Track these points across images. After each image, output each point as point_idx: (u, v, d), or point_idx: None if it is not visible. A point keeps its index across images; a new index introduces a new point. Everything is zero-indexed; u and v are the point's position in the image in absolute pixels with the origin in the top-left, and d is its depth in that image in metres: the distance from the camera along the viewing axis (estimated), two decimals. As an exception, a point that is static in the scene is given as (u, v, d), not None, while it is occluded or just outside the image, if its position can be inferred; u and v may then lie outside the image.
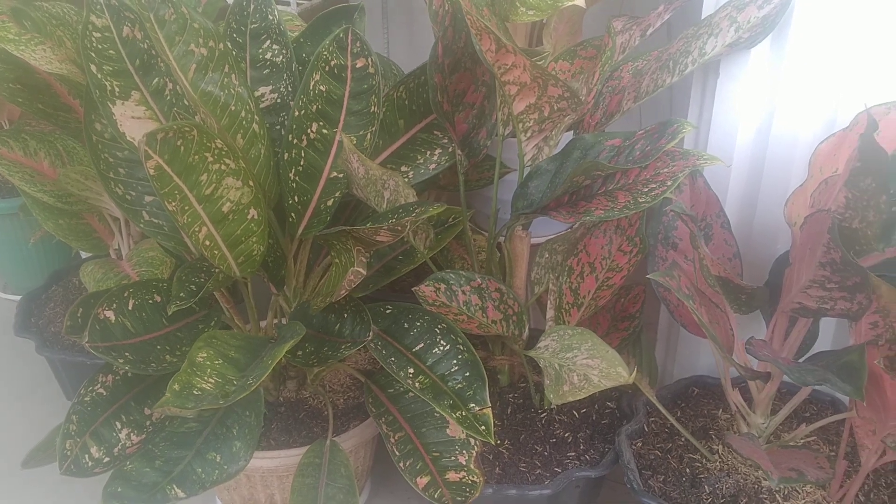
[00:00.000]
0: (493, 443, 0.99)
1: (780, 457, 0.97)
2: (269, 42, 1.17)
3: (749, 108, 1.15)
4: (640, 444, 1.17)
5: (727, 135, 1.17)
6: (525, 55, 0.91)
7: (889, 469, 1.13)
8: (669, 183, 0.98)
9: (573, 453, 1.18)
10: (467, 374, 1.04)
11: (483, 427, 0.99)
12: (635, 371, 1.05)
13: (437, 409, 0.99)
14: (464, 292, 1.13)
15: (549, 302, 1.16)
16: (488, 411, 1.00)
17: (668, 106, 1.90)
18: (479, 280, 1.14)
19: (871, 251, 0.88)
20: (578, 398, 0.95)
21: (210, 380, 0.95)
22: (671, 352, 1.38)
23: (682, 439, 1.16)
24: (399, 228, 0.93)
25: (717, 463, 1.12)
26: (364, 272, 0.97)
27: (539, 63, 1.14)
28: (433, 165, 1.17)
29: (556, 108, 0.98)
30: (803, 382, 0.85)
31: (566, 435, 1.21)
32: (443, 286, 1.12)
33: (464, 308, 1.12)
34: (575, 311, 1.15)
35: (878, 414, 0.93)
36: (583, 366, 0.99)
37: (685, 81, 1.18)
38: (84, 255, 1.64)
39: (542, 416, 1.23)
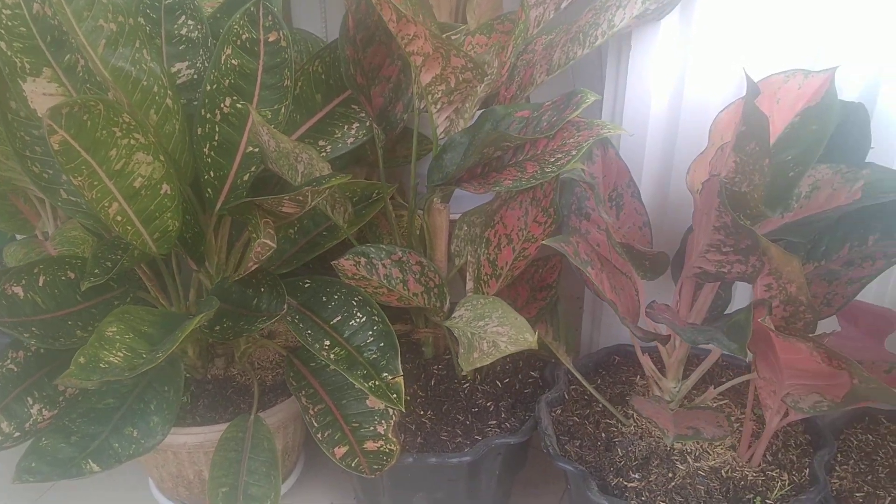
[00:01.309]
0: (402, 410, 1.00)
1: (684, 417, 0.99)
2: (184, 17, 1.17)
3: (661, 79, 1.17)
4: (559, 411, 1.20)
5: (641, 104, 1.19)
6: (425, 25, 0.91)
7: (799, 430, 1.17)
8: (574, 153, 1.00)
9: (494, 422, 1.20)
10: (382, 344, 1.06)
11: (395, 395, 1.01)
12: (551, 337, 1.07)
13: (350, 379, 1.00)
14: (384, 266, 1.14)
15: (468, 273, 1.18)
16: (400, 380, 1.01)
17: (601, 77, 1.91)
18: (399, 253, 1.15)
19: (760, 214, 0.91)
20: (486, 363, 0.96)
21: (119, 353, 0.95)
22: (596, 321, 1.40)
23: (600, 405, 1.19)
24: (301, 199, 0.93)
25: (632, 427, 1.15)
26: (272, 244, 0.97)
27: (455, 37, 1.16)
28: (351, 139, 1.18)
29: (461, 78, 0.99)
30: (693, 342, 0.87)
31: (488, 404, 1.22)
32: (363, 260, 1.12)
33: (384, 281, 1.13)
34: (493, 282, 1.17)
35: (776, 374, 0.96)
36: (493, 333, 1.00)
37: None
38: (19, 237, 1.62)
39: (466, 386, 1.25)
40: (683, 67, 1.15)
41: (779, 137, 1.00)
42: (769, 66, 1.10)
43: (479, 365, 0.96)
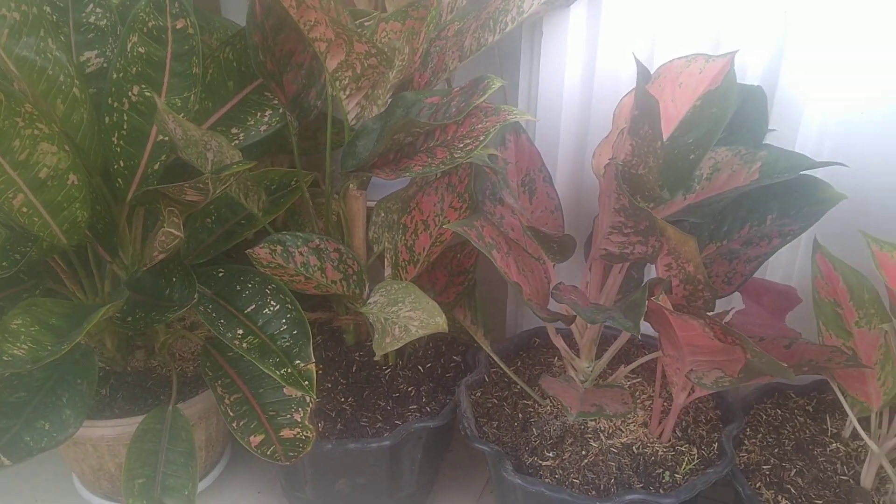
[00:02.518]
0: (314, 397, 1.01)
1: (591, 395, 1.02)
2: (92, 6, 1.15)
3: (572, 64, 1.18)
4: (479, 394, 1.21)
5: (554, 90, 1.21)
6: (325, 11, 0.91)
7: (710, 406, 1.20)
8: (482, 138, 1.01)
9: (415, 406, 1.21)
10: (295, 332, 1.06)
11: (306, 382, 1.01)
12: (469, 321, 1.08)
13: (262, 368, 1.00)
14: (301, 253, 1.14)
15: (386, 260, 1.18)
16: (312, 367, 1.02)
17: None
18: (317, 241, 1.15)
19: (657, 196, 0.93)
20: (396, 347, 0.97)
21: (23, 346, 0.94)
22: (520, 304, 1.42)
23: (519, 387, 1.21)
24: (202, 187, 0.93)
25: (548, 407, 1.17)
26: (178, 234, 0.97)
27: (369, 24, 1.16)
28: (264, 127, 1.17)
29: (366, 65, 0.99)
30: (592, 321, 0.89)
31: (409, 389, 1.24)
32: (279, 248, 1.12)
33: (301, 269, 1.13)
34: (412, 268, 1.18)
35: (678, 351, 0.98)
36: (405, 318, 1.01)
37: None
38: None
39: (387, 372, 1.26)
40: (594, 53, 1.17)
41: (681, 121, 1.03)
42: (675, 50, 1.12)
43: (390, 349, 0.97)
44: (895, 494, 1.02)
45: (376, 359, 1.19)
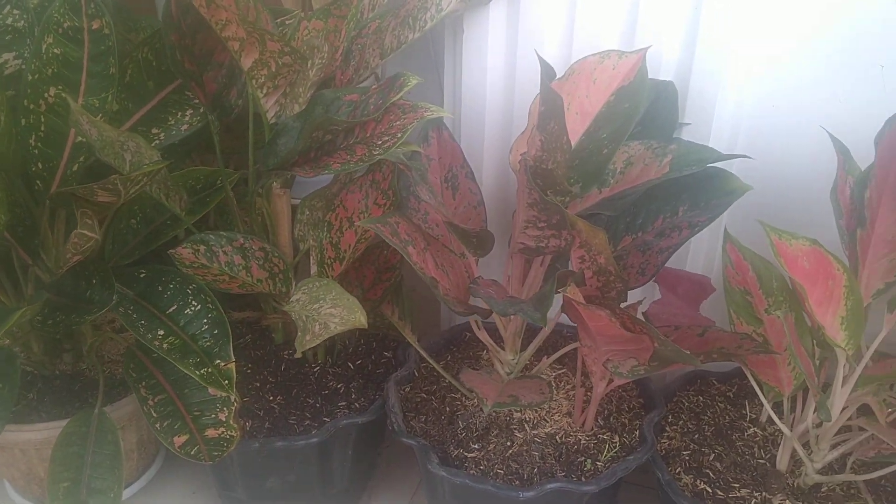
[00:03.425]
0: (233, 396, 1.01)
1: (510, 387, 1.03)
2: (9, 7, 1.14)
3: (494, 61, 1.20)
4: (408, 389, 1.22)
5: (477, 86, 1.22)
6: (236, 10, 0.91)
7: (634, 395, 1.23)
8: (400, 135, 1.02)
9: (344, 403, 1.21)
10: (216, 331, 1.06)
11: (226, 381, 1.01)
12: (397, 317, 1.09)
13: (181, 368, 1.00)
14: (225, 252, 1.14)
15: (311, 257, 1.19)
16: (232, 366, 1.02)
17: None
18: (241, 240, 1.15)
19: (566, 190, 0.95)
20: (315, 344, 0.97)
21: (-67, 353, 0.93)
22: (452, 301, 1.43)
23: (447, 381, 1.22)
24: (111, 188, 0.92)
25: (475, 400, 1.18)
26: (92, 235, 0.96)
27: (290, 22, 1.16)
28: (185, 126, 1.17)
29: (280, 63, 1.00)
30: (503, 314, 0.91)
31: (339, 386, 1.24)
32: (202, 247, 1.12)
33: (226, 268, 1.13)
34: (337, 265, 1.18)
35: (593, 341, 1.00)
36: (326, 315, 1.02)
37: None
38: None
39: (316, 370, 1.27)
40: (514, 49, 1.19)
41: (596, 116, 1.05)
42: (593, 45, 1.15)
43: (309, 346, 0.98)
44: (808, 476, 1.05)
45: (297, 356, 1.18)
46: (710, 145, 1.15)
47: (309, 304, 1.06)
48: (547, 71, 0.86)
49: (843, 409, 0.99)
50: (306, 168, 1.07)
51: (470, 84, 1.23)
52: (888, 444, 0.95)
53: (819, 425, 1.03)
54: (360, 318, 0.99)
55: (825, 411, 0.90)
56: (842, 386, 0.98)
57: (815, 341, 1.00)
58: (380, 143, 1.03)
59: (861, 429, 1.04)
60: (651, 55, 1.12)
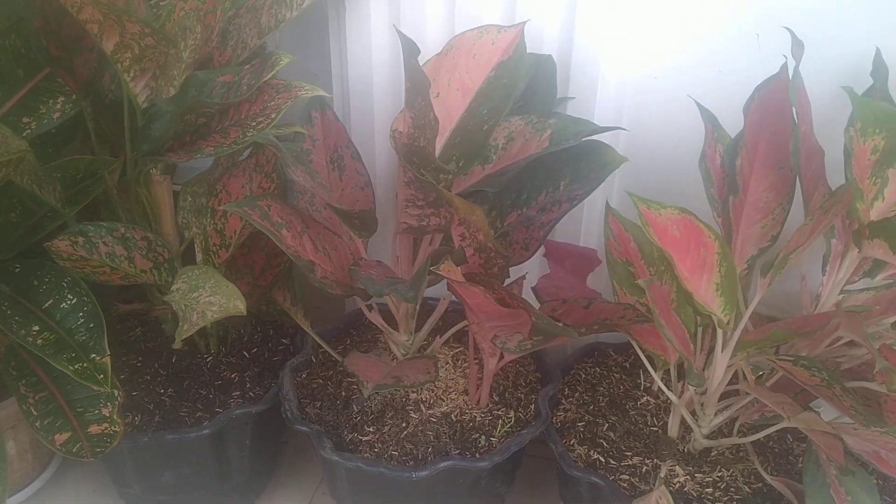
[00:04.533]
0: (109, 390, 0.98)
1: (399, 368, 1.02)
2: None
3: (378, 37, 1.18)
4: (304, 376, 1.21)
5: (363, 65, 1.21)
6: (87, -9, 0.88)
7: (531, 370, 1.23)
8: (274, 115, 0.99)
9: (238, 393, 1.19)
10: (91, 325, 1.02)
11: (101, 376, 0.98)
12: (289, 302, 1.07)
13: (55, 364, 0.97)
14: (106, 243, 1.10)
15: (196, 245, 1.16)
16: (107, 360, 0.99)
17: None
18: (122, 229, 1.12)
19: (439, 167, 0.94)
20: (191, 333, 0.95)
21: None
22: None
23: (344, 366, 1.21)
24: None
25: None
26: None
27: (164, 3, 1.12)
28: (57, 114, 1.12)
29: (143, 45, 0.96)
30: (379, 294, 0.90)
31: (233, 376, 1.22)
32: (81, 239, 1.09)
33: (107, 260, 1.10)
34: (224, 252, 1.15)
35: (478, 318, 1.00)
36: (205, 303, 0.99)
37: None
38: None
39: (209, 360, 1.24)
40: (398, 23, 1.17)
41: (476, 92, 1.04)
42: (475, 18, 1.14)
43: (185, 336, 0.95)
44: (696, 442, 1.07)
45: (175, 346, 1.16)
46: (596, 119, 1.16)
47: (189, 293, 1.03)
48: (409, 46, 0.85)
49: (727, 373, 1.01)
50: (180, 153, 1.04)
51: (356, 63, 1.21)
52: (770, 406, 0.98)
53: (704, 392, 1.05)
54: (238, 306, 0.97)
55: (694, 378, 0.91)
56: (721, 351, 0.99)
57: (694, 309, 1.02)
58: (254, 124, 1.00)
59: (747, 393, 1.06)
60: (533, 30, 1.12)
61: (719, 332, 0.98)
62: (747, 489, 1.03)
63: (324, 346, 1.18)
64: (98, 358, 0.99)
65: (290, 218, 0.98)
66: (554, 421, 1.14)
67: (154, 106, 1.07)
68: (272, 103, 1.00)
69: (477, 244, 0.96)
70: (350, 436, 1.09)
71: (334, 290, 0.98)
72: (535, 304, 1.07)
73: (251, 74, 1.01)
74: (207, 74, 1.04)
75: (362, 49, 1.19)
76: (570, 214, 1.20)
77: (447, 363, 1.21)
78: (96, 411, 1.06)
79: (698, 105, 0.96)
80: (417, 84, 0.85)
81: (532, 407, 1.14)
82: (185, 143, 1.05)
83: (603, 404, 1.17)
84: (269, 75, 0.99)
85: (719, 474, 1.04)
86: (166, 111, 1.06)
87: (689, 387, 1.05)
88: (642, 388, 1.20)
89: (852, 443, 0.86)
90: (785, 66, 0.97)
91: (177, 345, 0.97)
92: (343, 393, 1.16)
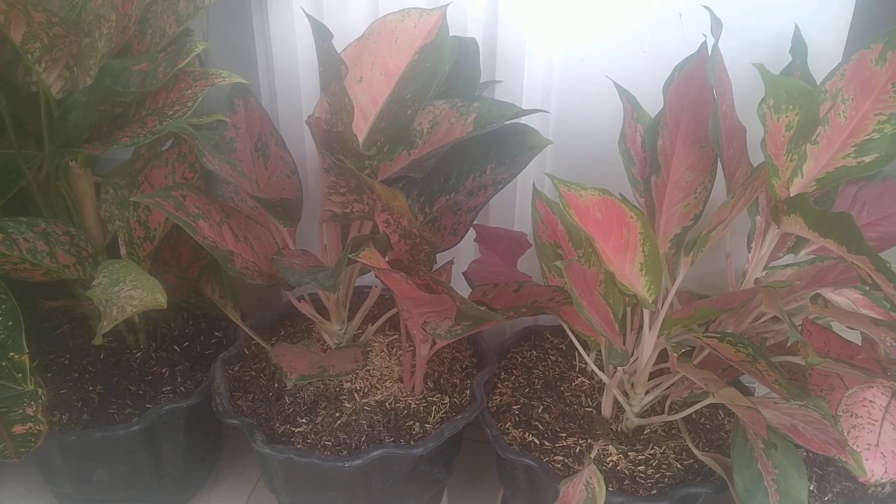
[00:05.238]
0: (30, 388, 0.95)
1: (327, 358, 1.01)
2: None
3: (301, 25, 1.16)
4: (237, 368, 1.19)
5: (288, 50, 1.19)
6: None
7: (468, 355, 1.23)
8: (191, 104, 0.97)
9: (169, 387, 1.17)
10: (10, 323, 0.99)
11: (20, 374, 0.95)
12: (218, 294, 1.05)
13: (-32, 364, 0.94)
14: (26, 239, 1.08)
15: (119, 238, 1.13)
16: (25, 358, 0.96)
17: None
18: (43, 224, 1.09)
19: (358, 152, 0.92)
20: (110, 329, 0.92)
21: None
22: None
23: (277, 356, 1.19)
24: None
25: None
26: None
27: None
28: (-32, 107, 1.08)
29: (52, 34, 0.93)
30: (298, 283, 0.88)
31: (164, 371, 1.20)
32: (0, 235, 1.05)
33: (28, 256, 1.07)
34: (148, 245, 1.13)
35: (405, 305, 0.99)
36: (126, 298, 0.97)
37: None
38: None
39: (138, 355, 1.21)
40: (321, 13, 1.15)
41: (400, 77, 1.03)
42: (399, 3, 1.12)
43: (105, 331, 0.93)
44: (629, 420, 1.08)
45: (95, 342, 1.13)
46: (524, 102, 1.15)
47: (109, 288, 1.01)
48: (320, 29, 0.83)
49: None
50: (97, 144, 1.01)
51: (281, 50, 1.19)
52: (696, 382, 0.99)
53: (634, 372, 1.05)
54: (159, 299, 0.95)
55: (616, 357, 0.92)
56: (649, 331, 1.00)
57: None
58: (171, 112, 0.98)
59: (677, 371, 1.07)
60: (457, 12, 1.11)
61: (646, 311, 0.99)
62: (679, 465, 1.04)
63: (255, 337, 1.17)
64: (17, 356, 0.96)
65: (207, 208, 0.96)
66: (489, 405, 1.13)
67: (69, 97, 1.04)
68: (189, 91, 0.98)
69: (402, 230, 0.95)
70: (283, 427, 1.07)
71: (255, 280, 0.97)
72: (467, 290, 1.07)
73: (166, 62, 0.99)
74: (122, 63, 1.02)
75: (286, 34, 1.17)
76: (503, 198, 1.20)
77: (382, 351, 1.20)
78: (20, 411, 1.03)
79: (616, 85, 0.96)
80: (330, 68, 0.83)
81: (467, 392, 1.14)
82: (101, 134, 1.02)
83: (538, 387, 1.17)
84: (184, 62, 0.96)
85: (651, 451, 1.05)
86: (80, 101, 1.03)
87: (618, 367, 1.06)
88: (577, 369, 1.21)
89: (771, 416, 0.87)
90: (705, 45, 0.97)
91: (97, 341, 0.95)
92: (276, 385, 1.14)
